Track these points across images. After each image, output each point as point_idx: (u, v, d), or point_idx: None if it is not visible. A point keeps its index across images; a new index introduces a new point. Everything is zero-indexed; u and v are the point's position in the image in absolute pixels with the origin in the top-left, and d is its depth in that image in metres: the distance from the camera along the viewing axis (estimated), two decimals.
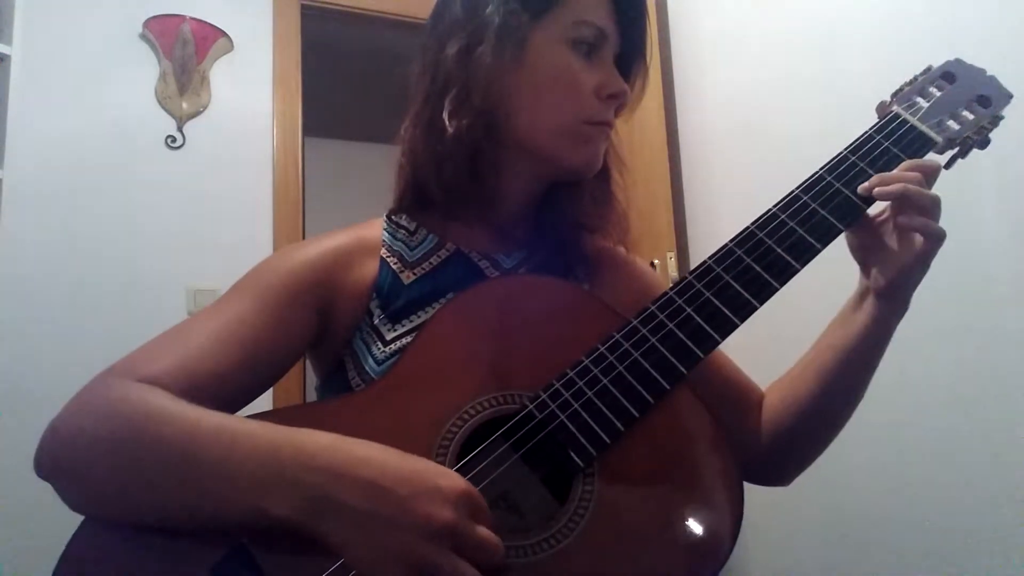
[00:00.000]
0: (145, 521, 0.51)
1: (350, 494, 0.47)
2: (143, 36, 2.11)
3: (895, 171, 0.62)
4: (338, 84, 3.33)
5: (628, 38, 0.72)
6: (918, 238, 0.61)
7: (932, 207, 0.61)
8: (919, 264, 0.62)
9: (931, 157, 0.65)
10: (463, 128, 0.67)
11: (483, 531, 0.47)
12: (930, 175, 0.62)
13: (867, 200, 0.62)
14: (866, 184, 0.61)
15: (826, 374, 0.68)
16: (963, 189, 1.19)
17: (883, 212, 0.65)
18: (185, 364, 0.57)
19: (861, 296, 0.68)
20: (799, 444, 0.73)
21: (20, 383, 1.76)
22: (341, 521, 0.47)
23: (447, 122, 0.68)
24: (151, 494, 0.51)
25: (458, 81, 0.68)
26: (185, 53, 2.11)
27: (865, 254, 0.66)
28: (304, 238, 2.19)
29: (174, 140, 2.09)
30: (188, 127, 2.11)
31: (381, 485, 0.47)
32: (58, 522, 0.53)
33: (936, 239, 0.61)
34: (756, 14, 1.78)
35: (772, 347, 1.22)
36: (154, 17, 2.10)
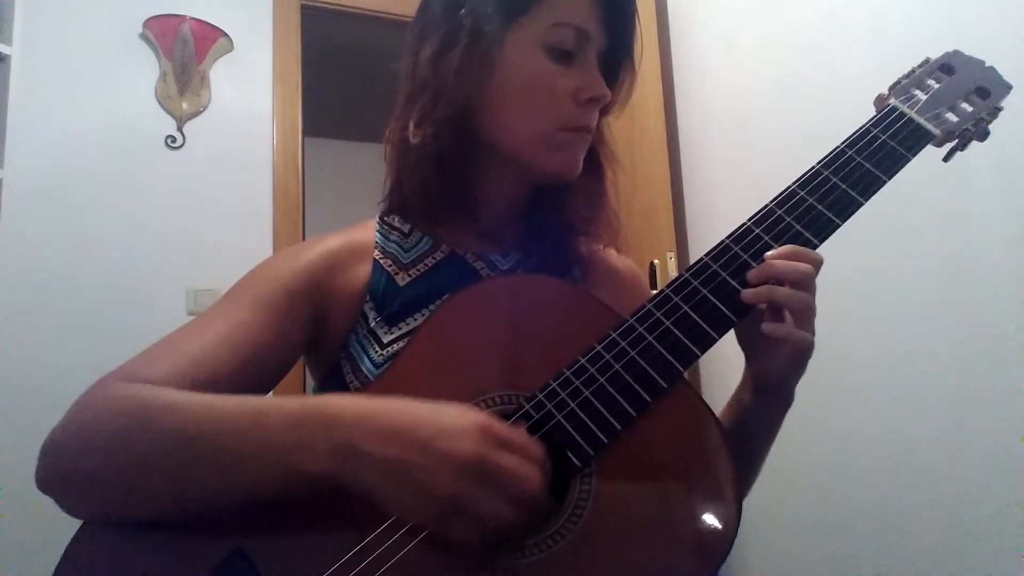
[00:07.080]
0: (161, 514, 0.51)
1: (375, 443, 0.48)
2: (143, 36, 2.11)
3: (775, 261, 0.57)
4: (338, 84, 3.33)
5: (614, 36, 0.70)
6: (787, 344, 0.58)
7: (804, 310, 0.57)
8: (790, 367, 0.60)
9: (930, 150, 0.64)
10: (428, 137, 0.66)
11: (511, 458, 0.47)
12: (808, 268, 0.57)
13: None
14: (744, 292, 0.57)
15: None
16: (963, 190, 1.19)
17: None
18: (183, 369, 0.57)
19: (745, 382, 0.65)
20: None
21: (19, 383, 1.76)
22: (371, 470, 0.48)
23: (412, 131, 0.67)
24: (168, 483, 0.50)
25: (430, 86, 0.67)
26: (185, 53, 2.11)
27: (746, 343, 0.63)
28: (304, 238, 2.19)
29: (174, 140, 2.09)
30: (188, 127, 2.11)
31: (401, 430, 0.49)
32: (58, 523, 0.53)
33: (803, 349, 0.58)
34: (755, 15, 1.78)
35: None
36: (154, 17, 2.10)
